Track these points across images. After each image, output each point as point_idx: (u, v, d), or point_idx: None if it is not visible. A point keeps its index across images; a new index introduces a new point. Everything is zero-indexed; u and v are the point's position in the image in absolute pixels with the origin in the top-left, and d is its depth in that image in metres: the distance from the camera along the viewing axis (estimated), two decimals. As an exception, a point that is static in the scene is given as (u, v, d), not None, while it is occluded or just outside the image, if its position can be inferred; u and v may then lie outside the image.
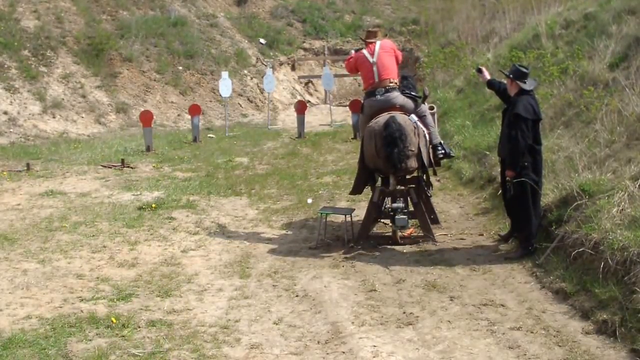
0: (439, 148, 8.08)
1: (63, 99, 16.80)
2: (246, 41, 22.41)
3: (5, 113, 15.58)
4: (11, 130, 15.30)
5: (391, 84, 7.82)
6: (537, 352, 4.89)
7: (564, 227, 6.55)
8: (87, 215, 8.82)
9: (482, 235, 7.87)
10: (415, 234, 7.95)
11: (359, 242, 7.68)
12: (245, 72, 20.86)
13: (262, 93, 20.13)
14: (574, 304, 5.63)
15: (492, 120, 11.24)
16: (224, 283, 6.59)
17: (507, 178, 6.96)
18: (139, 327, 5.48)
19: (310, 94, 22.92)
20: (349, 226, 7.87)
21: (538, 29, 12.87)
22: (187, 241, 7.91)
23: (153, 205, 9.19)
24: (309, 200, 9.64)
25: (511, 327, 5.35)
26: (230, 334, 5.39)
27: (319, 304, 5.99)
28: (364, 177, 7.95)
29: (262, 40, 22.95)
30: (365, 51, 8.02)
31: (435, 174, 8.34)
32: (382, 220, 8.20)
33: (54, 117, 16.25)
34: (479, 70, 7.99)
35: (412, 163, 7.48)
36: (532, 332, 5.23)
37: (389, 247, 7.60)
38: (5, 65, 16.69)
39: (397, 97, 7.78)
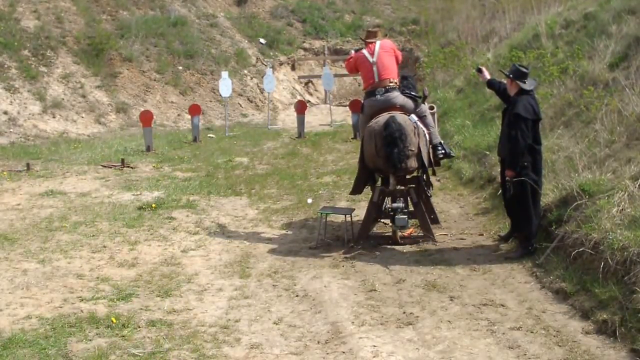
0: (439, 148, 8.09)
1: (63, 99, 16.80)
2: (246, 41, 22.41)
3: (5, 113, 15.58)
4: (11, 130, 15.30)
5: (391, 84, 7.82)
6: (537, 352, 4.89)
7: (564, 227, 6.55)
8: (87, 215, 8.82)
9: (482, 235, 7.87)
10: (415, 234, 7.95)
11: (359, 242, 7.68)
12: (245, 72, 20.86)
13: (262, 93, 20.13)
14: (574, 304, 5.64)
15: (492, 120, 11.24)
16: (224, 283, 6.59)
17: (507, 178, 6.96)
18: (139, 327, 5.48)
19: (310, 94, 22.91)
20: (349, 226, 7.87)
21: (538, 29, 12.87)
22: (187, 241, 7.91)
23: (153, 205, 9.19)
24: (309, 200, 9.64)
25: (511, 327, 5.35)
26: (230, 333, 5.40)
27: (319, 304, 5.99)
28: (364, 177, 7.95)
29: (262, 40, 22.95)
30: (365, 51, 8.02)
31: (434, 173, 8.34)
32: (382, 220, 8.20)
33: (54, 117, 16.24)
34: (479, 70, 7.99)
35: (412, 163, 7.48)
36: (532, 332, 5.23)
37: (389, 247, 7.60)
38: (5, 65, 16.69)
39: (397, 97, 7.79)
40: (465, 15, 20.24)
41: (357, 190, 8.11)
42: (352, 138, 14.74)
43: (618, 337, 4.96)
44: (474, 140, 10.81)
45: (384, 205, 7.84)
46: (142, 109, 16.14)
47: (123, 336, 5.29)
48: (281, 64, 22.63)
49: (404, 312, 5.72)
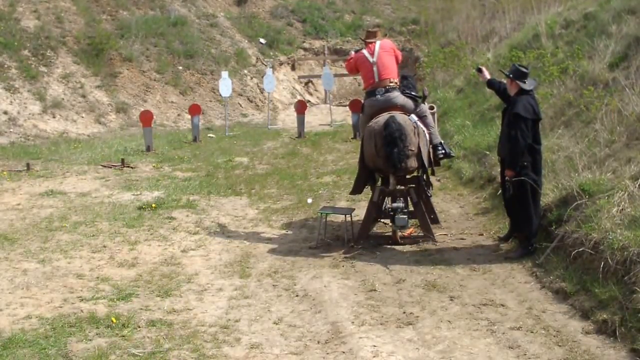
0: (439, 148, 8.09)
1: (63, 99, 16.80)
2: (246, 41, 22.41)
3: (5, 113, 15.58)
4: (11, 130, 15.30)
5: (391, 84, 7.82)
6: (537, 352, 4.89)
7: (564, 227, 6.55)
8: (87, 215, 8.83)
9: (482, 235, 7.87)
10: (415, 234, 7.95)
11: (359, 242, 7.68)
12: (245, 72, 20.86)
13: (262, 93, 20.13)
14: (574, 304, 5.64)
15: (492, 120, 11.24)
16: (224, 283, 6.59)
17: (507, 177, 6.96)
18: (139, 326, 5.48)
19: (310, 94, 22.91)
20: (349, 226, 7.87)
21: (538, 29, 12.87)
22: (187, 241, 7.91)
23: (153, 205, 9.19)
24: (309, 200, 9.64)
25: (511, 327, 5.35)
26: (230, 333, 5.40)
27: (319, 304, 5.99)
28: (364, 177, 7.94)
29: (262, 40, 22.95)
30: (365, 51, 8.03)
31: (433, 173, 8.34)
32: (382, 220, 8.20)
33: (54, 117, 16.24)
34: (479, 70, 7.99)
35: (412, 163, 7.48)
36: (532, 332, 5.23)
37: (389, 247, 7.60)
38: (5, 65, 16.69)
39: (398, 97, 7.79)
40: (465, 15, 20.24)
41: (357, 190, 8.11)
42: (352, 138, 14.74)
43: (618, 337, 4.96)
44: (474, 140, 10.81)
45: (384, 205, 7.84)
46: (142, 109, 16.14)
47: (123, 336, 5.29)
48: (281, 64, 22.63)
49: (404, 312, 5.72)
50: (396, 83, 7.90)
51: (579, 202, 6.59)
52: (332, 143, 14.58)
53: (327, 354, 5.02)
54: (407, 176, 7.85)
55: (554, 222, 6.79)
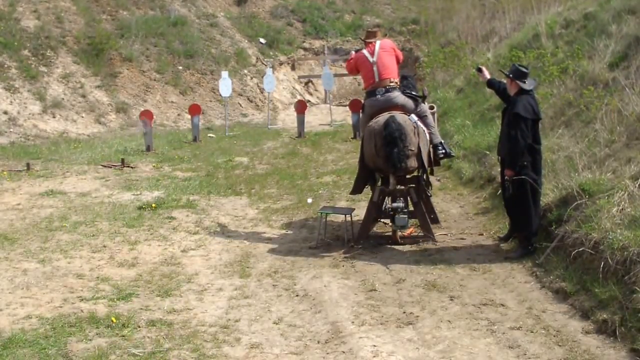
0: (440, 148, 8.09)
1: (63, 99, 16.80)
2: (246, 41, 22.41)
3: (5, 113, 15.58)
4: (11, 130, 15.30)
5: (392, 84, 7.82)
6: (537, 352, 4.89)
7: (564, 227, 6.55)
8: (87, 215, 8.82)
9: (482, 235, 7.87)
10: (415, 234, 7.95)
11: (359, 241, 7.68)
12: (245, 71, 20.86)
13: (262, 93, 20.13)
14: (574, 304, 5.64)
15: (492, 120, 11.24)
16: (224, 283, 6.59)
17: (506, 177, 6.96)
18: (139, 326, 5.48)
19: (310, 94, 22.92)
20: (349, 226, 7.87)
21: (538, 29, 12.87)
22: (187, 241, 7.91)
23: (153, 205, 9.19)
24: (309, 200, 9.64)
25: (511, 326, 5.35)
26: (231, 333, 5.40)
27: (319, 304, 5.99)
28: (364, 177, 7.94)
29: (262, 40, 22.96)
30: (365, 51, 8.02)
31: (432, 173, 8.34)
32: (382, 220, 8.20)
33: (54, 117, 16.25)
34: (479, 70, 7.99)
35: (412, 163, 7.48)
36: (532, 332, 5.23)
37: (389, 247, 7.60)
38: (5, 65, 16.69)
39: (398, 96, 7.78)
40: (465, 15, 20.25)
41: (357, 189, 8.11)
42: (352, 138, 14.74)
43: (618, 337, 4.96)
44: (474, 140, 10.81)
45: (384, 205, 7.84)
46: (142, 109, 16.15)
47: (123, 336, 5.29)
48: (281, 63, 22.64)
49: (404, 312, 5.72)
50: (396, 83, 7.90)
51: (579, 202, 6.59)
52: (332, 143, 14.59)
53: (327, 353, 5.02)
54: (407, 176, 7.85)
55: (554, 222, 6.79)
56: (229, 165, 12.24)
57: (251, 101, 20.07)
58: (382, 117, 7.51)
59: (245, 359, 4.98)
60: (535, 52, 11.50)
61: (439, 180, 10.34)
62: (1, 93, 15.96)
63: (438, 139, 8.16)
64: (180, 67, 19.66)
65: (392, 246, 7.59)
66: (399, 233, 7.72)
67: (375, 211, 7.82)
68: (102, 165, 12.12)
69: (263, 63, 21.36)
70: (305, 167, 11.98)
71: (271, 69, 18.84)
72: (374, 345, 5.08)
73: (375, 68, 7.85)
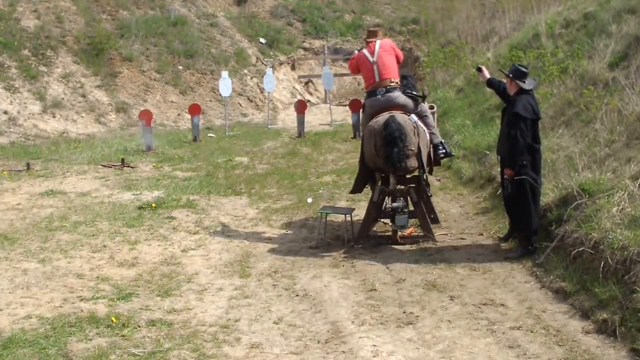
0: (440, 147, 8.09)
1: (63, 99, 16.80)
2: (246, 41, 22.41)
3: (5, 113, 15.57)
4: (11, 129, 15.29)
5: (392, 84, 7.82)
6: (537, 352, 4.89)
7: (564, 227, 6.55)
8: (87, 215, 8.82)
9: (482, 235, 7.87)
10: (415, 234, 7.95)
11: (359, 241, 7.68)
12: (245, 71, 20.85)
13: (262, 92, 20.12)
14: (574, 304, 5.64)
15: (492, 119, 11.24)
16: (224, 282, 6.59)
17: (506, 177, 6.96)
18: (139, 326, 5.48)
19: (310, 94, 22.90)
20: (349, 226, 7.86)
21: (538, 29, 12.87)
22: (187, 241, 7.91)
23: (153, 205, 9.19)
24: (309, 200, 9.64)
25: (511, 326, 5.35)
26: (231, 333, 5.40)
27: (319, 304, 5.99)
28: (364, 177, 7.95)
29: (262, 40, 22.95)
30: (365, 51, 8.03)
31: (430, 173, 8.34)
32: (382, 220, 8.20)
33: (54, 117, 16.24)
34: (479, 69, 7.99)
35: (412, 162, 7.48)
36: (532, 332, 5.23)
37: (389, 246, 7.60)
38: (5, 65, 16.69)
39: (399, 96, 7.78)
40: (465, 14, 20.24)
41: (357, 189, 8.11)
42: (352, 137, 14.74)
43: (618, 337, 4.96)
44: (474, 140, 10.81)
45: (384, 205, 7.84)
46: (142, 109, 16.14)
47: (123, 336, 5.29)
48: (281, 63, 22.63)
49: (404, 312, 5.72)
50: (397, 83, 7.89)
51: (579, 201, 6.59)
52: (332, 143, 14.58)
53: (327, 353, 5.02)
54: (407, 176, 7.85)
55: (554, 221, 6.79)
56: (229, 165, 12.24)
57: (251, 101, 20.07)
58: (382, 117, 7.51)
59: (245, 358, 4.98)
60: (535, 52, 11.50)
61: (439, 180, 10.34)
62: (1, 93, 15.96)
63: (438, 138, 8.17)
64: (180, 67, 19.66)
65: (392, 246, 7.59)
66: (399, 233, 7.72)
67: (375, 211, 7.82)
68: (102, 165, 12.12)
69: (263, 63, 21.36)
70: (305, 167, 11.98)
71: (271, 69, 18.84)
72: (374, 345, 5.08)
73: (375, 68, 7.85)
